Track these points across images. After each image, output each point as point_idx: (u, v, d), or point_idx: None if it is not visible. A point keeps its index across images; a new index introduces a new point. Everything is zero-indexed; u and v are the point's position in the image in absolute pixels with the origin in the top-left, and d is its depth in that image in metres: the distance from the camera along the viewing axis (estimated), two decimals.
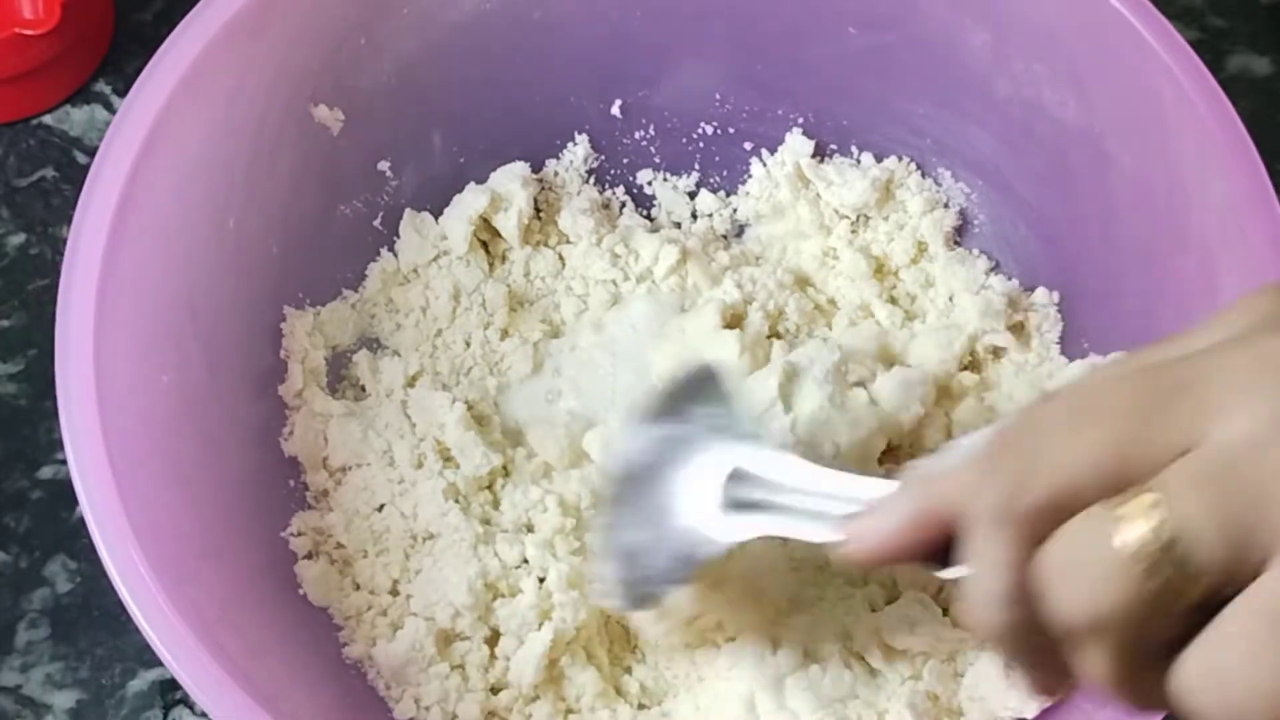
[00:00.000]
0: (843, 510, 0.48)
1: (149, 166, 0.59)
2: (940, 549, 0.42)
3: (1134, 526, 0.35)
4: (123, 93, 0.77)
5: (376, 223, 0.70)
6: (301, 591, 0.61)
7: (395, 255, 0.69)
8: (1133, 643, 0.37)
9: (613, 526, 0.56)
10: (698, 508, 0.53)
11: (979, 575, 0.39)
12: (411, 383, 0.66)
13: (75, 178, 0.75)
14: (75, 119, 0.77)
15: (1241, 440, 0.35)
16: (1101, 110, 0.64)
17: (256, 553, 0.61)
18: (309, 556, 0.62)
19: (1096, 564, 0.36)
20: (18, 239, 0.74)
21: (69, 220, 0.73)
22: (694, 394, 0.56)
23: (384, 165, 0.70)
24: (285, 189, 0.65)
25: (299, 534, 0.62)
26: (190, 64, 0.60)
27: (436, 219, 0.70)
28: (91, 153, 0.75)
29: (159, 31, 0.77)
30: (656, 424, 0.56)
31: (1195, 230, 0.62)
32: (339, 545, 0.63)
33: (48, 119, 0.77)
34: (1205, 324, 0.39)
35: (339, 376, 0.67)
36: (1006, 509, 0.38)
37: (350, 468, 0.64)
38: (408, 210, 0.70)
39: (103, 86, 0.77)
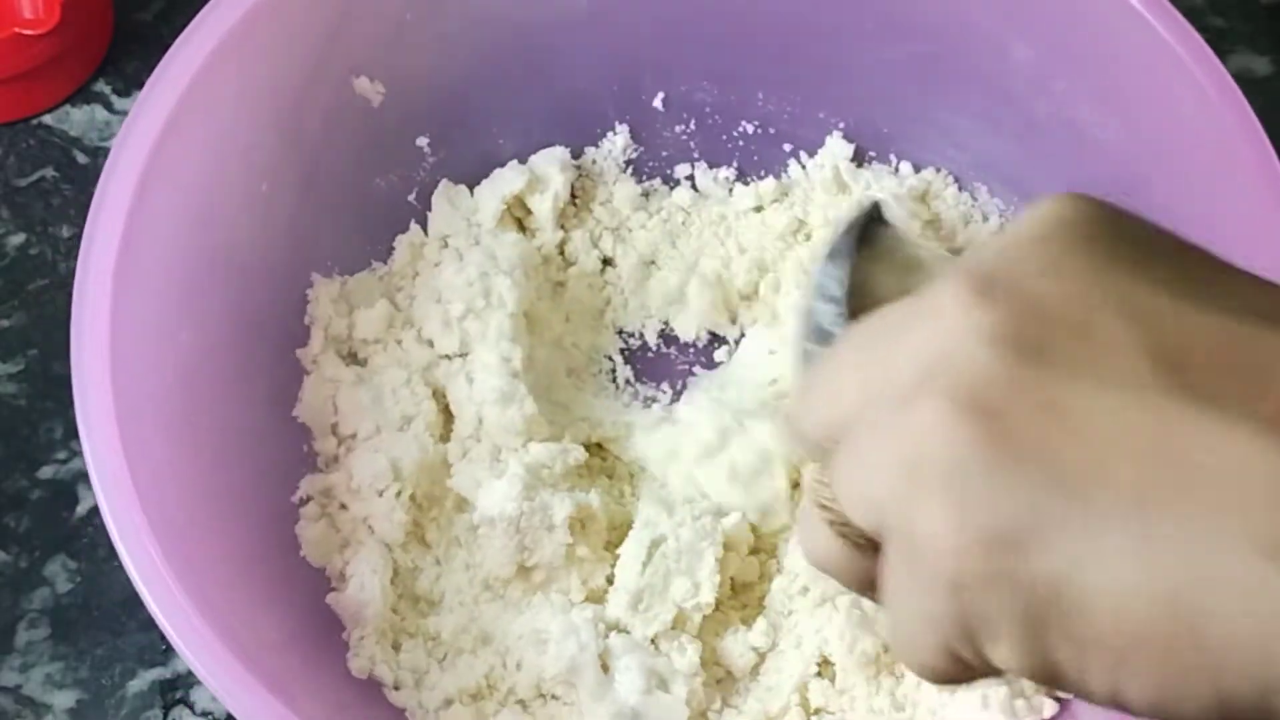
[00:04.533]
0: None
1: (184, 121, 0.59)
2: None
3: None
4: (123, 93, 0.77)
5: (411, 197, 0.70)
6: (302, 554, 0.62)
7: (425, 230, 0.70)
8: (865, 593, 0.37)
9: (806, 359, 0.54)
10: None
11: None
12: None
13: (75, 178, 0.75)
14: (75, 119, 0.77)
15: (879, 406, 0.34)
16: (1141, 134, 0.64)
17: (260, 513, 0.61)
18: (311, 519, 0.63)
19: (805, 517, 0.37)
20: (18, 239, 0.74)
21: (69, 220, 0.74)
22: (842, 235, 0.55)
23: (422, 141, 0.70)
24: (321, 157, 0.66)
25: (306, 498, 0.63)
26: (235, 24, 0.61)
27: (472, 196, 0.70)
28: (92, 153, 0.76)
29: (159, 31, 0.78)
30: (835, 264, 0.54)
31: (1228, 256, 0.61)
32: (342, 506, 0.63)
33: (48, 119, 0.76)
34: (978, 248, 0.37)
35: (359, 344, 0.68)
36: (800, 439, 0.38)
37: (359, 435, 0.64)
38: (443, 181, 0.70)
39: (103, 86, 0.77)
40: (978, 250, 0.36)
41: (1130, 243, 0.35)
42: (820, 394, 0.37)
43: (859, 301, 0.52)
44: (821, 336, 0.51)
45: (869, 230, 0.54)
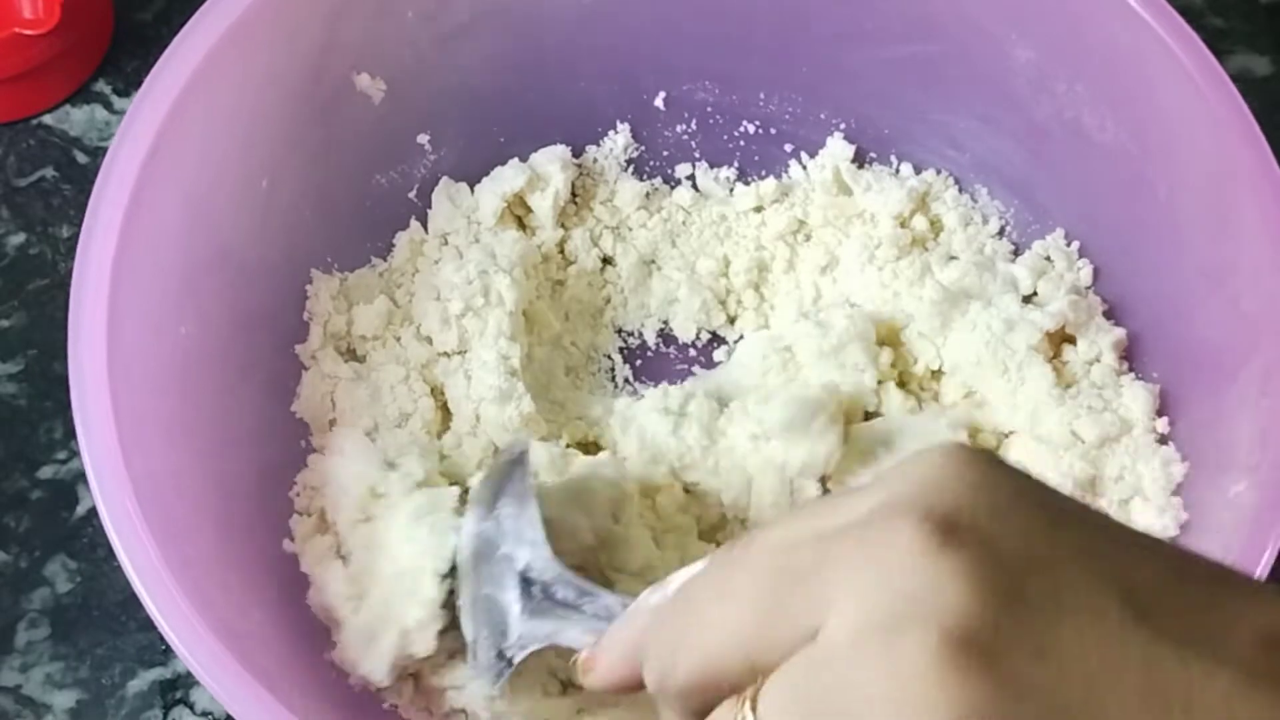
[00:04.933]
0: (598, 631, 0.50)
1: (183, 119, 0.59)
2: None
3: None
4: (123, 93, 0.77)
5: (411, 195, 0.70)
6: (291, 549, 0.62)
7: (425, 227, 0.70)
8: None
9: (461, 613, 0.57)
10: (507, 607, 0.55)
11: None
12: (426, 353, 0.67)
13: (75, 178, 0.75)
14: (75, 119, 0.77)
15: (836, 642, 0.34)
16: (1141, 135, 0.65)
17: (258, 510, 0.61)
18: (302, 513, 0.63)
19: None
20: (18, 239, 0.74)
21: (69, 220, 0.74)
22: (504, 482, 0.57)
23: (423, 138, 0.70)
24: (322, 154, 0.66)
25: (300, 492, 0.63)
26: (235, 21, 0.61)
27: (473, 194, 0.71)
28: (92, 153, 0.76)
29: (159, 31, 0.78)
30: (476, 517, 0.57)
31: (1229, 259, 0.62)
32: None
33: (48, 119, 0.76)
34: (859, 489, 0.38)
35: (357, 340, 0.68)
36: (660, 688, 0.39)
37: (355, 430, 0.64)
38: (444, 179, 0.70)
39: (103, 86, 0.77)
40: (886, 491, 0.37)
41: (1042, 490, 0.37)
42: (711, 636, 0.37)
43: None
44: (533, 585, 0.53)
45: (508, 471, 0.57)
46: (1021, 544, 0.35)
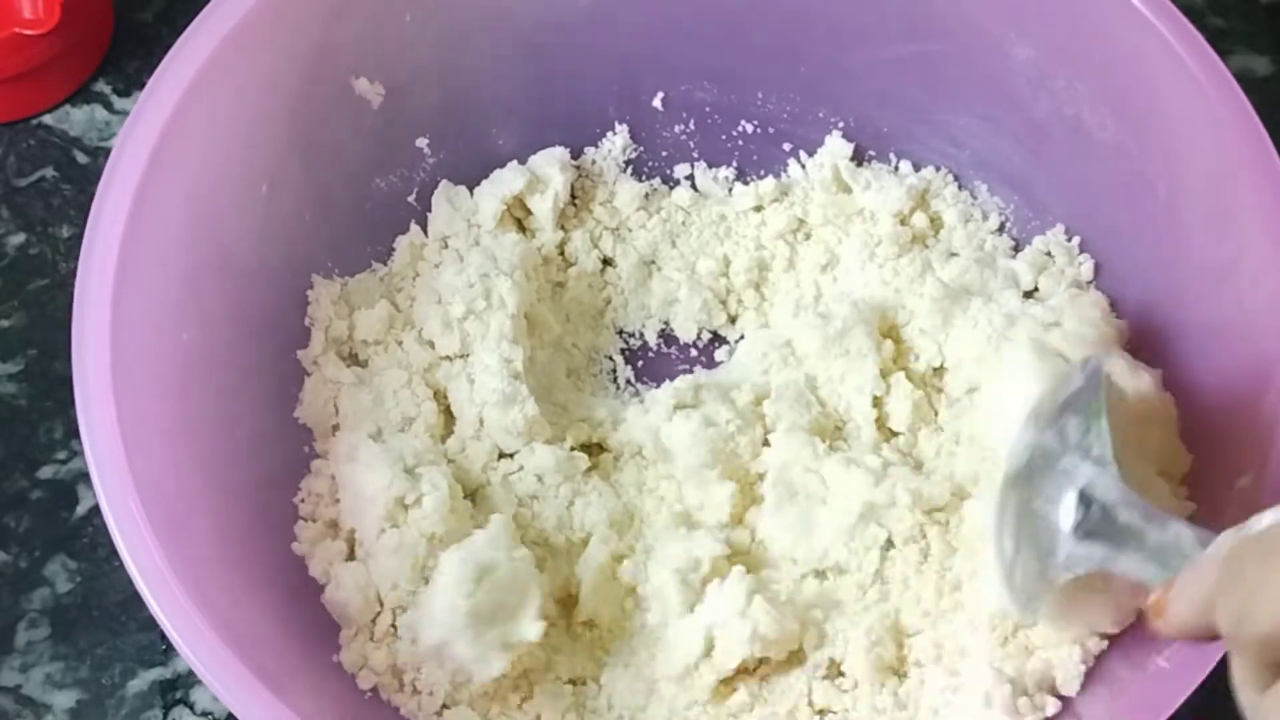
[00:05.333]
0: (1161, 562, 0.49)
1: (184, 123, 0.59)
2: None
3: None
4: (123, 93, 0.77)
5: (411, 198, 0.70)
6: (296, 551, 0.62)
7: (425, 230, 0.70)
8: None
9: (998, 529, 0.56)
10: (1057, 527, 0.53)
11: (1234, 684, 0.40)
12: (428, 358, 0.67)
13: (75, 178, 0.75)
14: (75, 119, 0.77)
15: None
16: (1141, 134, 0.65)
17: (260, 513, 0.61)
18: (307, 518, 0.63)
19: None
20: (18, 239, 0.74)
21: (69, 220, 0.74)
22: (1073, 394, 0.56)
23: (422, 142, 0.70)
24: (321, 158, 0.66)
25: (305, 498, 0.63)
26: (235, 25, 0.61)
27: (472, 197, 0.70)
28: (92, 152, 0.76)
29: (159, 31, 0.78)
30: (1036, 428, 0.55)
31: (1230, 257, 0.62)
32: (336, 500, 0.63)
33: (48, 119, 0.76)
34: None
35: (359, 345, 0.68)
36: (1235, 634, 0.38)
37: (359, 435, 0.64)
38: (443, 182, 0.70)
39: (103, 86, 0.77)
40: None
41: None
42: None
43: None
44: (1093, 505, 0.52)
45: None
46: None
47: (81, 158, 0.76)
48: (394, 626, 0.60)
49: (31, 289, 0.73)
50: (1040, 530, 0.53)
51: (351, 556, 0.62)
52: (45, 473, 0.69)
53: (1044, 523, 0.53)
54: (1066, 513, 0.52)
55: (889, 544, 0.63)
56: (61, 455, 0.69)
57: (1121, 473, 0.52)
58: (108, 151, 0.59)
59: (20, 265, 0.73)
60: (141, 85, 0.60)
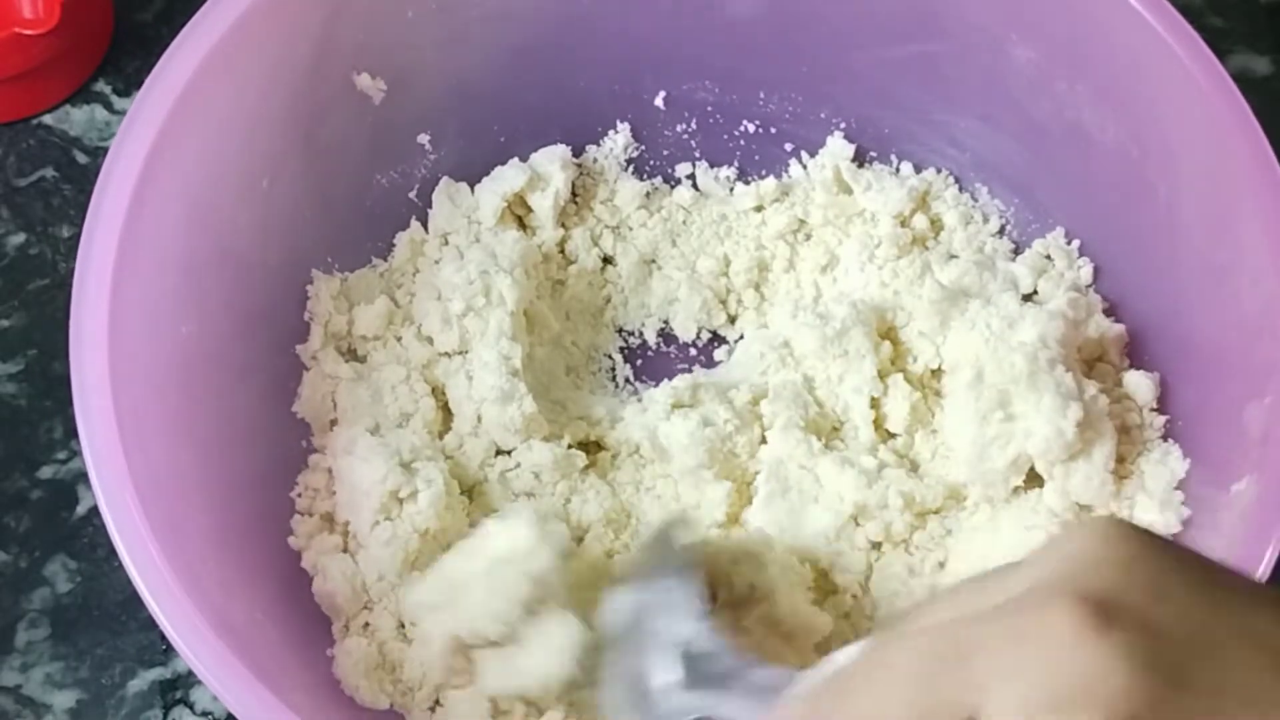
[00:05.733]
0: (762, 701, 0.49)
1: (184, 119, 0.59)
2: None
3: None
4: (123, 93, 0.77)
5: (412, 194, 0.71)
6: (294, 545, 0.62)
7: (425, 226, 0.70)
8: None
9: (607, 683, 0.56)
10: (665, 678, 0.54)
11: None
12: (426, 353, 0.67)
13: (75, 178, 0.75)
14: (75, 119, 0.77)
15: None
16: (1141, 135, 0.65)
17: (260, 510, 0.61)
18: (304, 513, 0.63)
19: None
20: (18, 239, 0.74)
21: (69, 220, 0.74)
22: (662, 553, 0.57)
23: (424, 138, 0.70)
24: (322, 154, 0.66)
25: (302, 493, 0.63)
26: (235, 21, 0.61)
27: (473, 193, 0.71)
28: (92, 153, 0.76)
29: (159, 31, 0.78)
30: (633, 588, 0.57)
31: (1229, 258, 0.62)
32: (332, 494, 0.63)
33: (48, 119, 0.76)
34: (1014, 567, 0.38)
35: (358, 340, 0.68)
36: None
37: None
38: (444, 178, 0.70)
39: (103, 86, 0.77)
40: (1039, 569, 0.37)
41: (1198, 563, 0.37)
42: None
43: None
44: (692, 661, 0.52)
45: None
46: (1181, 625, 0.34)
47: (81, 158, 0.76)
48: (402, 627, 0.61)
49: (31, 289, 0.73)
50: (643, 686, 0.54)
51: (346, 550, 0.62)
52: (45, 473, 0.69)
53: (644, 679, 0.53)
54: (668, 668, 0.53)
55: (877, 546, 0.63)
56: (61, 455, 0.69)
57: (717, 624, 0.54)
58: (108, 151, 0.59)
59: (20, 265, 0.73)
60: (141, 85, 0.60)
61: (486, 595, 0.57)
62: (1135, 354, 0.67)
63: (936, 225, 0.72)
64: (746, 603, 0.60)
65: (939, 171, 0.73)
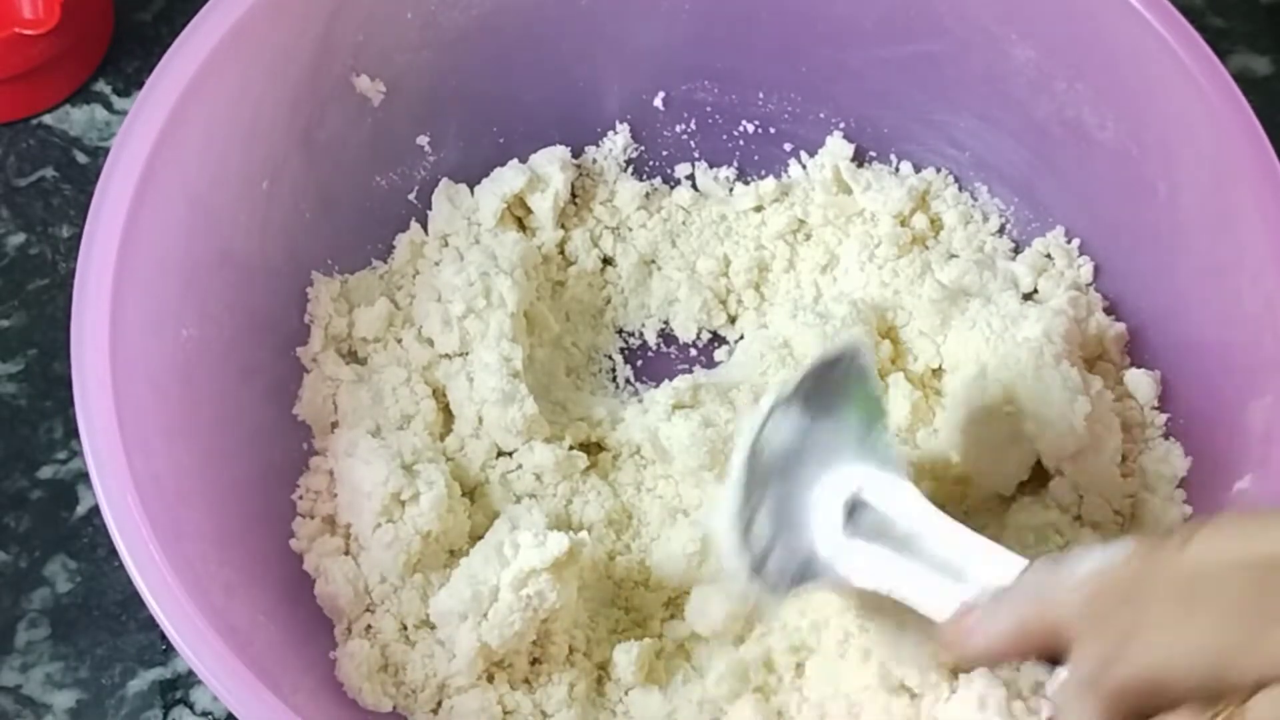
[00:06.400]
0: (957, 584, 0.46)
1: (184, 120, 0.59)
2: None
3: None
4: (123, 93, 0.77)
5: (411, 196, 0.71)
6: (296, 547, 0.62)
7: (425, 228, 0.70)
8: None
9: (744, 509, 0.52)
10: (824, 522, 0.50)
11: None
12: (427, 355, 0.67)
13: (75, 178, 0.75)
14: (75, 119, 0.77)
15: None
16: (1141, 135, 0.65)
17: (260, 511, 0.61)
18: (305, 515, 0.63)
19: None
20: (18, 239, 0.74)
21: (69, 220, 0.74)
22: (841, 384, 0.53)
23: (423, 140, 0.70)
24: (322, 156, 0.66)
25: (304, 495, 0.63)
26: (234, 23, 0.61)
27: (473, 195, 0.71)
28: (92, 153, 0.76)
29: (159, 31, 0.78)
30: (799, 412, 0.52)
31: (1230, 257, 0.62)
32: (334, 497, 0.63)
33: (48, 119, 0.76)
34: None
35: (358, 342, 0.68)
36: (1095, 679, 0.37)
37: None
38: (444, 180, 0.70)
39: (103, 86, 0.77)
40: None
41: None
42: (1178, 643, 0.37)
43: None
44: (868, 509, 0.48)
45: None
46: None
47: (81, 158, 0.76)
48: (405, 629, 0.61)
49: (31, 289, 0.73)
50: (803, 520, 0.50)
51: (347, 552, 0.62)
52: (45, 473, 0.69)
53: (806, 513, 0.49)
54: (835, 509, 0.49)
55: None
56: (61, 455, 0.69)
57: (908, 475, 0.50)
58: (108, 151, 0.59)
59: (20, 265, 0.73)
60: (141, 85, 0.60)
61: (515, 605, 0.57)
62: (1136, 352, 0.67)
63: (936, 225, 0.72)
64: None
65: (939, 171, 0.73)
